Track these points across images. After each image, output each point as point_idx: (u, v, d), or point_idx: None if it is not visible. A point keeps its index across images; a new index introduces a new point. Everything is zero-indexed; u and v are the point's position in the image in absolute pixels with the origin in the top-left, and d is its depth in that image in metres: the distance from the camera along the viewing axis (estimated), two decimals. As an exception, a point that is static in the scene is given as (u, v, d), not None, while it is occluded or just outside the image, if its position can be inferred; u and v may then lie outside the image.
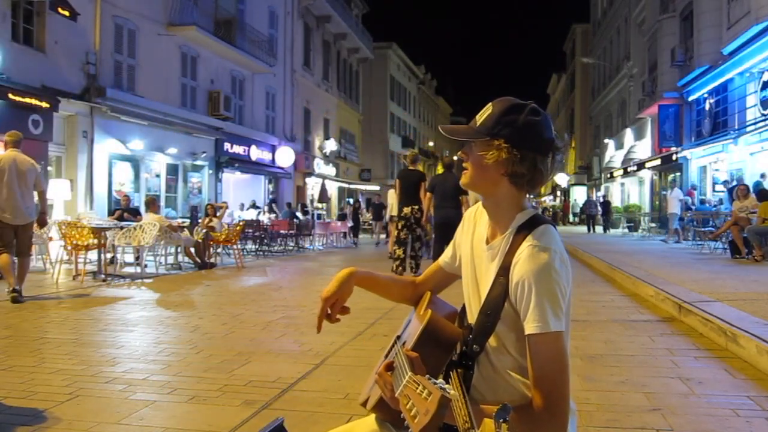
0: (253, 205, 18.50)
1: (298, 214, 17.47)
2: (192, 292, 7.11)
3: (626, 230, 21.92)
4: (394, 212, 9.21)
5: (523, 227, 1.24)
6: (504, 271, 1.22)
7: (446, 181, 7.72)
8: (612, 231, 23.53)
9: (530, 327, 1.15)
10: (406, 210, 8.07)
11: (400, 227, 8.15)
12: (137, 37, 14.29)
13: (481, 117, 1.27)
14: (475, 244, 1.37)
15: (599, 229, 23.76)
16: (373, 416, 1.36)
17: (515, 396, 1.24)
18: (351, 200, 28.63)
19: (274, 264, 11.15)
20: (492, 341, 1.26)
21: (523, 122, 1.24)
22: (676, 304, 4.97)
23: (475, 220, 1.40)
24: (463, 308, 1.41)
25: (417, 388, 0.97)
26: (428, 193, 7.88)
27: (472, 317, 1.32)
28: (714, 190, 16.56)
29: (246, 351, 3.94)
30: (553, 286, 1.16)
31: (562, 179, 43.81)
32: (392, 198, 10.06)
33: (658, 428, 2.48)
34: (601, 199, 26.34)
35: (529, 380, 1.18)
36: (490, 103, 1.28)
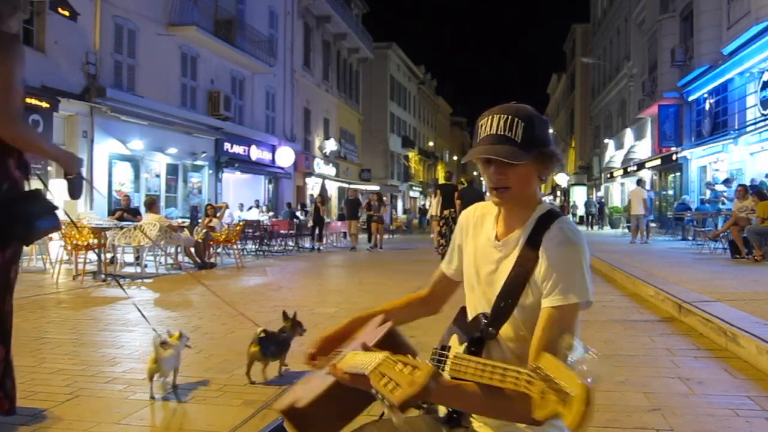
0: (256, 205, 18.47)
1: (298, 213, 17.44)
2: (192, 292, 7.11)
3: (626, 230, 21.93)
4: (434, 212, 11.84)
5: (543, 218, 1.30)
6: (525, 260, 1.26)
7: (471, 191, 10.54)
8: (612, 230, 23.98)
9: (568, 297, 1.20)
10: (446, 212, 10.90)
11: (442, 224, 10.97)
12: (137, 37, 14.28)
13: (511, 130, 1.25)
14: (481, 244, 1.40)
15: (595, 227, 26.12)
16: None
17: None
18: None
19: (274, 264, 11.15)
20: (510, 330, 1.28)
21: (540, 123, 1.29)
22: (676, 304, 4.97)
23: (476, 221, 1.44)
24: (463, 310, 1.43)
25: (396, 366, 0.97)
26: (458, 201, 10.57)
27: (474, 311, 1.35)
28: (714, 191, 16.53)
29: (246, 351, 3.94)
30: (585, 262, 1.25)
31: (562, 179, 43.78)
32: (434, 202, 12.37)
33: (658, 428, 2.48)
34: (597, 200, 28.95)
35: (532, 345, 1.19)
36: (505, 114, 1.27)
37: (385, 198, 19.14)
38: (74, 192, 2.48)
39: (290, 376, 3.26)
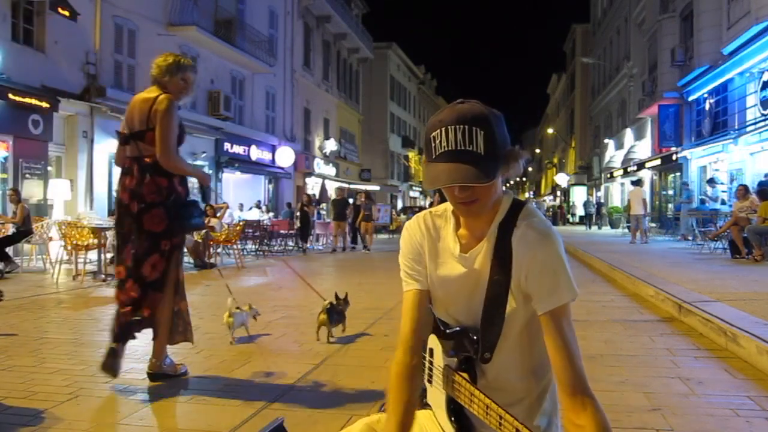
0: (257, 206, 18.46)
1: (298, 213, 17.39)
2: (192, 292, 7.10)
3: (626, 230, 21.95)
4: None
5: (508, 216, 1.23)
6: (499, 269, 1.20)
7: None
8: (612, 230, 24.12)
9: (559, 298, 1.15)
10: None
11: None
12: (137, 37, 14.28)
13: (472, 142, 1.14)
14: (443, 260, 1.31)
15: (594, 227, 27.11)
16: (357, 425, 1.31)
17: (512, 396, 1.24)
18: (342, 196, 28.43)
19: (274, 264, 11.15)
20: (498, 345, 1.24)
21: (498, 123, 1.17)
22: (676, 304, 4.97)
23: (428, 233, 1.34)
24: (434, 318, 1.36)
25: None
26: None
27: (455, 324, 1.31)
28: (688, 190, 16.74)
29: (246, 351, 3.95)
30: (563, 256, 1.18)
31: (562, 179, 43.79)
32: (435, 203, 12.70)
33: (658, 428, 2.48)
34: (595, 201, 30.28)
35: (557, 361, 1.14)
36: (461, 124, 1.14)
37: (372, 197, 17.69)
38: (206, 196, 3.54)
39: (345, 338, 4.26)
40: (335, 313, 4.17)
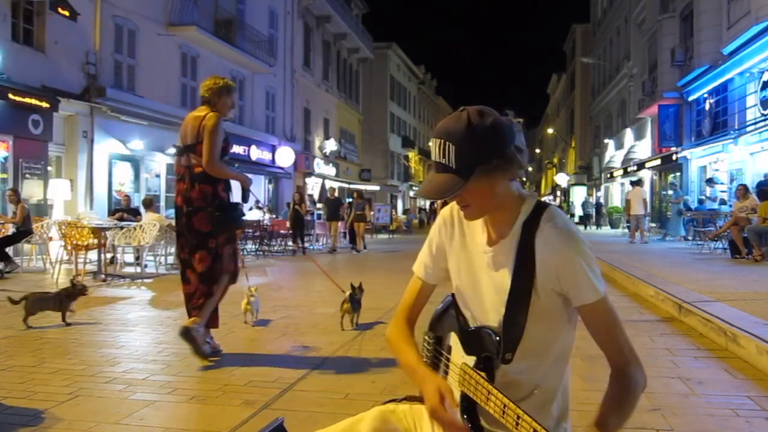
0: (257, 206, 18.38)
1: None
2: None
3: (626, 230, 21.96)
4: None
5: (531, 217, 1.25)
6: (523, 269, 1.21)
7: None
8: (611, 230, 24.18)
9: (590, 296, 1.21)
10: None
11: None
12: (137, 37, 14.28)
13: (445, 156, 1.17)
14: (471, 250, 1.33)
15: (594, 227, 27.20)
16: (371, 412, 1.32)
17: (521, 393, 1.25)
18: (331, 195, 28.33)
19: (274, 264, 11.15)
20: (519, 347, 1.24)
21: (483, 135, 1.17)
22: (676, 304, 4.97)
23: (460, 221, 1.37)
24: (454, 302, 1.39)
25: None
26: None
27: (475, 322, 1.31)
28: (676, 191, 16.80)
29: (246, 351, 3.95)
30: (589, 253, 1.24)
31: (562, 179, 43.80)
32: (439, 203, 12.84)
33: (658, 428, 2.48)
34: (594, 201, 30.50)
35: (600, 344, 1.24)
36: (438, 137, 1.18)
37: (366, 196, 17.28)
38: (246, 197, 4.07)
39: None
40: (355, 301, 4.66)
